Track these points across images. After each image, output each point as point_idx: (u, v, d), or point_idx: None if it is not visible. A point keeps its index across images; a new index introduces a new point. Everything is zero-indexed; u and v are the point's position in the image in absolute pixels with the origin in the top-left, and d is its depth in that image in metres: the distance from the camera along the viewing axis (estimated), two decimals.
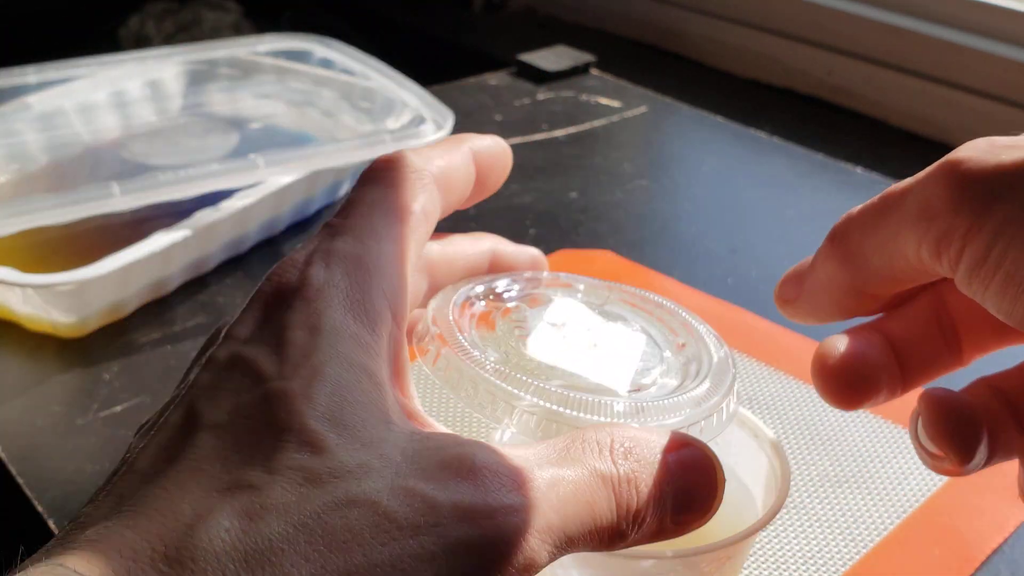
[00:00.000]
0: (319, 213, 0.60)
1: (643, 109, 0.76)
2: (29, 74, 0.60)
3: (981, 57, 0.78)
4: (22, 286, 0.45)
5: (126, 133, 0.60)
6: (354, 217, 0.25)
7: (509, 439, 0.28)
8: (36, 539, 0.39)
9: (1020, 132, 0.75)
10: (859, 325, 0.29)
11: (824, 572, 0.36)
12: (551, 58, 0.82)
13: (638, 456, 0.24)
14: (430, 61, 1.14)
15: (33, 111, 0.59)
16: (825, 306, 0.28)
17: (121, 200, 0.47)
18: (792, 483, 0.40)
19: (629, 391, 0.29)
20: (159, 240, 0.48)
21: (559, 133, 0.72)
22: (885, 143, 0.82)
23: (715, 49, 0.97)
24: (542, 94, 0.78)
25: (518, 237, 0.58)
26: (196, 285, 0.52)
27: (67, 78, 0.61)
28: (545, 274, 0.34)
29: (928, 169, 0.24)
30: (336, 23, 1.23)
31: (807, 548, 0.37)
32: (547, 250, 0.56)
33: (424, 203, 0.27)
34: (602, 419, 0.27)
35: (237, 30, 1.28)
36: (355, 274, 0.24)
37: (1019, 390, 0.27)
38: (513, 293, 0.33)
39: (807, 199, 0.65)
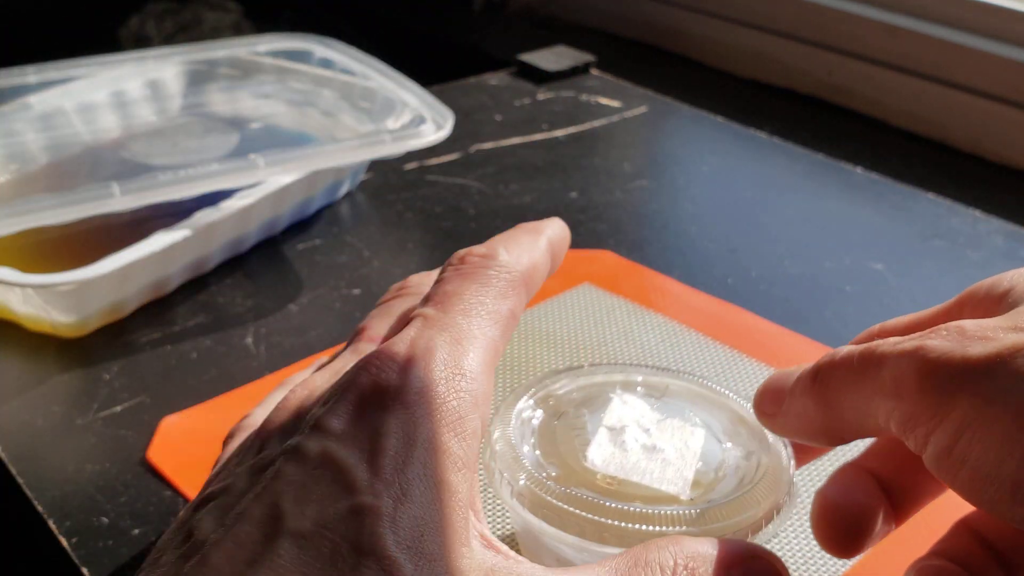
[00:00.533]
0: (319, 213, 0.60)
1: (643, 109, 0.76)
2: (29, 74, 0.60)
3: (981, 57, 0.78)
4: (22, 286, 0.45)
5: (126, 133, 0.60)
6: (452, 314, 0.26)
7: (573, 546, 0.29)
8: (36, 539, 0.39)
9: (1020, 132, 0.76)
10: (848, 465, 0.31)
11: (824, 572, 0.36)
12: (551, 58, 0.82)
13: None
14: (430, 61, 1.14)
15: (33, 111, 0.59)
16: (799, 433, 0.29)
17: (121, 200, 0.47)
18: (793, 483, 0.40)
19: (691, 496, 0.30)
20: (159, 240, 0.48)
21: (559, 133, 0.72)
22: (885, 143, 0.82)
23: (715, 49, 0.97)
24: (542, 94, 0.78)
25: None
26: (196, 285, 0.52)
27: (67, 78, 0.61)
28: (604, 367, 0.35)
29: (904, 344, 0.24)
30: (336, 23, 1.23)
31: (807, 548, 0.37)
32: None
33: (513, 305, 0.28)
34: (665, 529, 0.28)
35: (237, 30, 1.28)
36: (453, 382, 0.24)
37: (999, 532, 0.28)
38: (573, 394, 0.34)
39: (807, 199, 0.65)
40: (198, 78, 0.64)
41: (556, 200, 0.62)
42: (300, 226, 0.58)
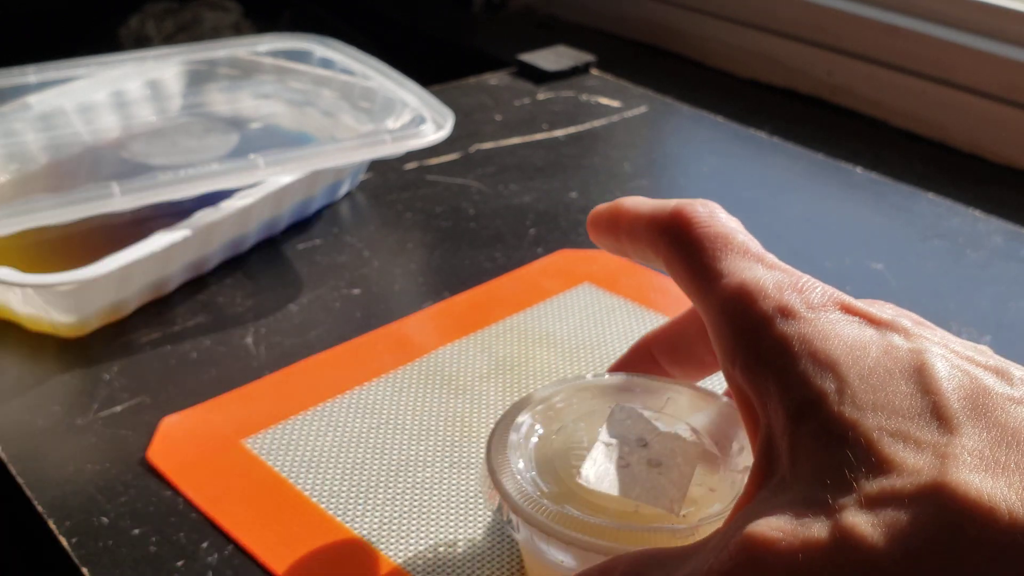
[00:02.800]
0: (319, 213, 0.60)
1: (643, 109, 0.76)
2: (29, 74, 0.60)
3: (981, 57, 0.78)
4: (22, 286, 0.45)
5: (126, 133, 0.60)
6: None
7: (566, 564, 0.30)
8: (36, 539, 0.39)
9: (1020, 132, 0.76)
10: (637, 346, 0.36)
11: None
12: (551, 58, 0.82)
13: None
14: (430, 61, 1.14)
15: (33, 111, 0.59)
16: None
17: (121, 200, 0.47)
18: None
19: (684, 512, 0.30)
20: (159, 240, 0.48)
21: (559, 133, 0.72)
22: (885, 143, 0.82)
23: (715, 49, 0.97)
24: (542, 94, 0.78)
25: (518, 237, 0.58)
26: (196, 285, 0.52)
27: (67, 78, 0.61)
28: (606, 378, 0.35)
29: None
30: (336, 23, 1.23)
31: None
32: (547, 250, 0.56)
33: None
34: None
35: (237, 30, 1.28)
36: None
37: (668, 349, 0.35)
38: (572, 408, 0.34)
39: (807, 199, 0.65)
40: (198, 78, 0.64)
41: (556, 200, 0.62)
42: (300, 226, 0.58)
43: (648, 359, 0.35)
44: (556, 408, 0.34)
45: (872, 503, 0.20)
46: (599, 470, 0.31)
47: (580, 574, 0.25)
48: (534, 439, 0.33)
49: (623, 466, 0.31)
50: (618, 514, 0.30)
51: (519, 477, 0.31)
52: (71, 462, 0.41)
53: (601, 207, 0.33)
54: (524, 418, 0.33)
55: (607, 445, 0.32)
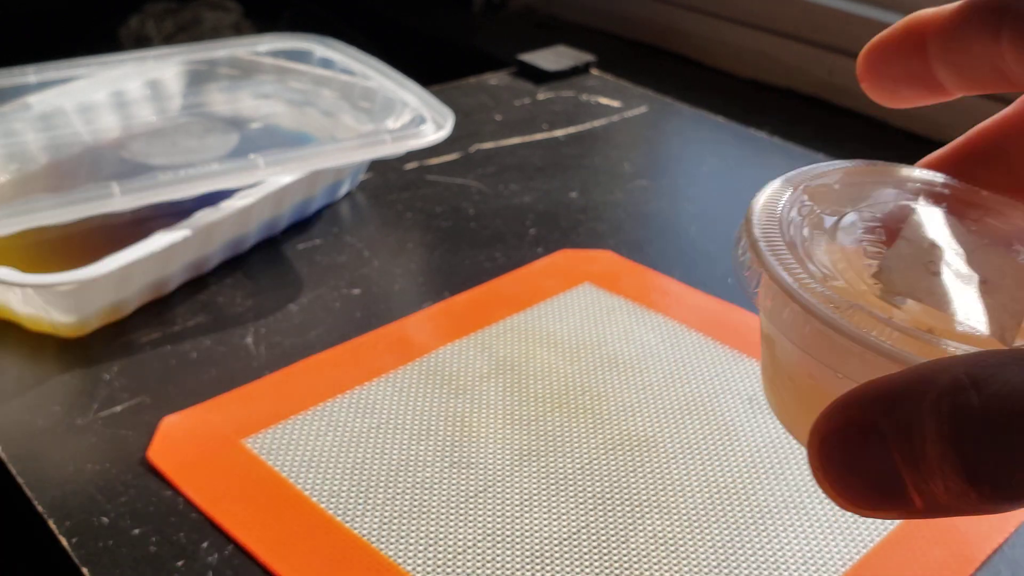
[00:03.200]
0: (319, 213, 0.60)
1: (643, 109, 0.76)
2: (29, 74, 0.60)
3: None
4: (22, 286, 0.45)
5: (126, 133, 0.60)
6: None
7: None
8: (36, 539, 0.39)
9: None
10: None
11: (824, 572, 0.36)
12: (551, 58, 0.82)
13: None
14: (430, 61, 1.14)
15: (33, 111, 0.59)
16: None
17: (121, 200, 0.47)
18: (792, 483, 0.40)
19: (1016, 344, 0.21)
20: (159, 240, 0.48)
21: (559, 133, 0.72)
22: (885, 143, 0.82)
23: (715, 49, 0.97)
24: (542, 94, 0.78)
25: (518, 237, 0.58)
26: (196, 285, 0.52)
27: (67, 78, 0.61)
28: (905, 170, 0.26)
29: None
30: (336, 23, 1.23)
31: (807, 548, 0.37)
32: (547, 250, 0.56)
33: None
34: None
35: (237, 30, 1.28)
36: None
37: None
38: (857, 195, 0.26)
39: None
40: (198, 78, 0.64)
41: (556, 200, 0.62)
42: (300, 226, 0.58)
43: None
44: (835, 191, 0.26)
45: None
46: (904, 270, 0.23)
47: (884, 379, 0.18)
48: (810, 223, 0.25)
49: (934, 272, 0.23)
50: (931, 331, 0.22)
51: (789, 255, 0.23)
52: (71, 462, 0.41)
53: (880, 35, 0.24)
54: (793, 193, 0.25)
55: (911, 242, 0.24)
